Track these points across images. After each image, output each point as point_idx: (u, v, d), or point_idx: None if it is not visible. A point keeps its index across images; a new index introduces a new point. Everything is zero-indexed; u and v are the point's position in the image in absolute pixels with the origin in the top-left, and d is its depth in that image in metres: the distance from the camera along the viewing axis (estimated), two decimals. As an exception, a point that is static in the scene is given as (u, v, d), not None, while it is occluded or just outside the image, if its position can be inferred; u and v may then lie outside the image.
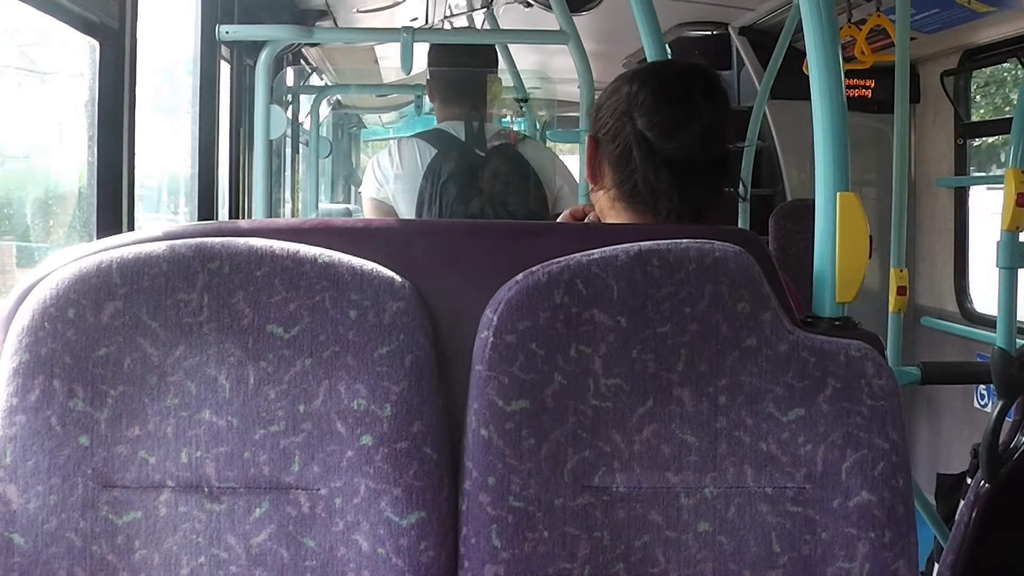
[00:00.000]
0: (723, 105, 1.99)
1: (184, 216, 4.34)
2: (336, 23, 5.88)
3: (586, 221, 2.14)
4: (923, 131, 5.79)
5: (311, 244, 1.61)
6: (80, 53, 2.93)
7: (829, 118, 1.73)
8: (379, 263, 1.62)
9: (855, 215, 1.71)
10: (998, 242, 3.22)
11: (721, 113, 1.98)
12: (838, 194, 1.72)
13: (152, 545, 1.55)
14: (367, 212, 3.91)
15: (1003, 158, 5.18)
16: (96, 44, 2.72)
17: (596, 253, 1.60)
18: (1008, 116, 5.26)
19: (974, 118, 5.64)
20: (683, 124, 1.93)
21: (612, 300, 1.58)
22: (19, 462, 1.52)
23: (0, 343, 1.58)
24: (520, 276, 1.59)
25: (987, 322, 5.22)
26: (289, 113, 6.15)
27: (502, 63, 5.37)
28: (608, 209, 2.02)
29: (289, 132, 6.38)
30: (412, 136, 3.95)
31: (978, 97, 5.83)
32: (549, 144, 5.90)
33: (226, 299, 1.57)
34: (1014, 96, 5.55)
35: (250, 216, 4.47)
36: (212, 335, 1.56)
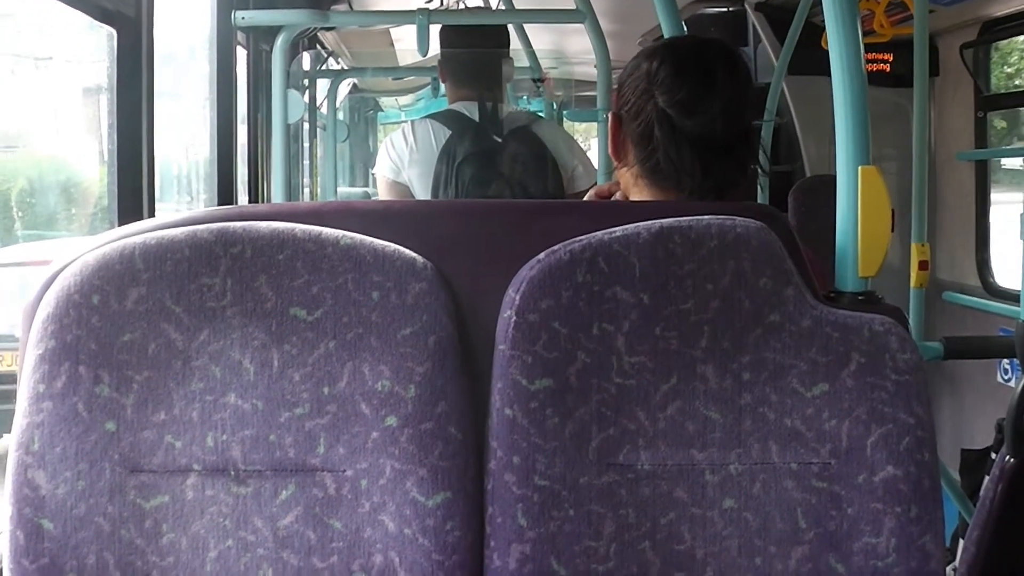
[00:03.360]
0: (744, 80, 1.98)
1: (203, 202, 4.35)
2: (351, 6, 5.87)
3: (613, 199, 2.13)
4: (943, 104, 5.76)
5: (332, 227, 1.62)
6: (78, 39, 2.92)
7: (849, 92, 1.72)
8: (400, 244, 1.62)
9: (877, 189, 1.70)
10: (1021, 215, 3.21)
11: (742, 88, 1.97)
12: (860, 168, 1.71)
13: (180, 529, 1.56)
14: (383, 194, 3.90)
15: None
16: (113, 32, 2.72)
17: (618, 231, 1.60)
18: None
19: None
20: (704, 100, 1.92)
21: (634, 278, 1.58)
22: (47, 448, 1.53)
23: (25, 331, 1.59)
24: (542, 255, 1.59)
25: (1010, 296, 5.20)
26: (306, 98, 6.15)
27: (518, 43, 5.35)
28: (632, 186, 2.02)
29: (307, 117, 6.38)
30: (425, 117, 3.94)
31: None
32: (566, 124, 5.89)
33: (249, 283, 1.57)
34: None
35: (269, 201, 4.47)
36: (236, 319, 1.57)
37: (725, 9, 6.19)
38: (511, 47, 4.25)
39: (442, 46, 4.08)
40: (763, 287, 1.59)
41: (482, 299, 1.64)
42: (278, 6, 4.30)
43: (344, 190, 9.68)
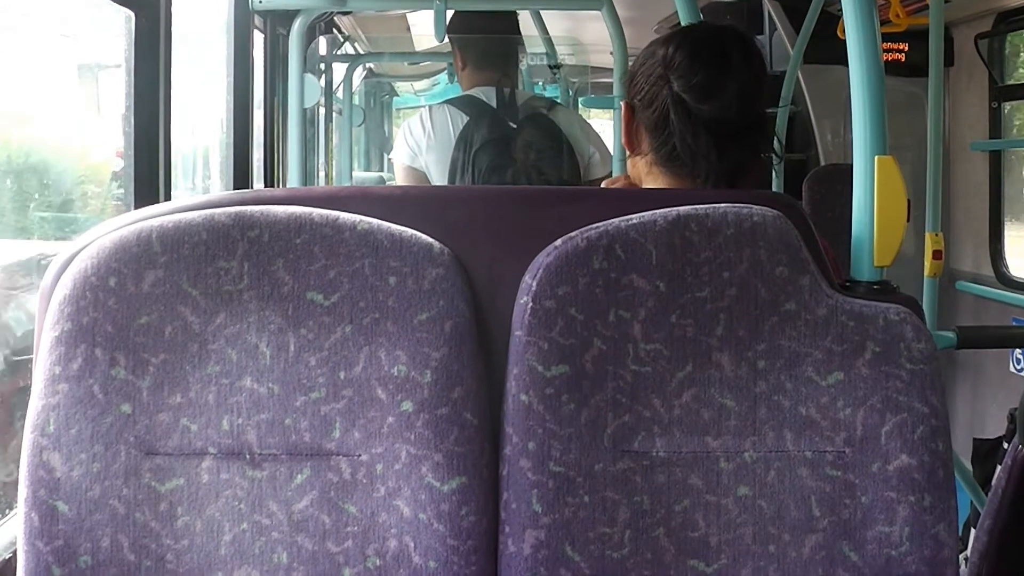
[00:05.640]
0: (759, 66, 1.98)
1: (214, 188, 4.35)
2: (368, -9, 5.85)
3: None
4: (957, 94, 5.74)
5: (349, 212, 1.62)
6: (73, 14, 2.89)
7: (867, 82, 1.72)
8: (417, 230, 1.62)
9: (893, 179, 1.70)
10: None
11: (757, 74, 1.97)
12: (876, 158, 1.71)
13: (194, 512, 1.57)
14: (399, 179, 3.89)
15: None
16: (131, 15, 2.72)
17: (635, 218, 1.60)
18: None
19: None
20: (720, 85, 1.93)
21: (651, 265, 1.58)
22: (62, 430, 1.54)
23: (41, 312, 1.60)
24: (559, 242, 1.60)
25: (1023, 286, 5.19)
26: (322, 82, 6.15)
27: (535, 30, 5.34)
28: (646, 175, 2.02)
29: (323, 101, 6.38)
30: (443, 103, 3.93)
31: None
32: (582, 111, 5.87)
33: (266, 267, 1.57)
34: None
35: (285, 185, 4.47)
36: (252, 303, 1.57)
37: (742, -3, 6.17)
38: (527, 34, 4.23)
39: (451, 31, 4.06)
40: (779, 275, 1.59)
41: (498, 285, 1.65)
42: (295, -11, 4.30)
43: (359, 174, 9.69)
